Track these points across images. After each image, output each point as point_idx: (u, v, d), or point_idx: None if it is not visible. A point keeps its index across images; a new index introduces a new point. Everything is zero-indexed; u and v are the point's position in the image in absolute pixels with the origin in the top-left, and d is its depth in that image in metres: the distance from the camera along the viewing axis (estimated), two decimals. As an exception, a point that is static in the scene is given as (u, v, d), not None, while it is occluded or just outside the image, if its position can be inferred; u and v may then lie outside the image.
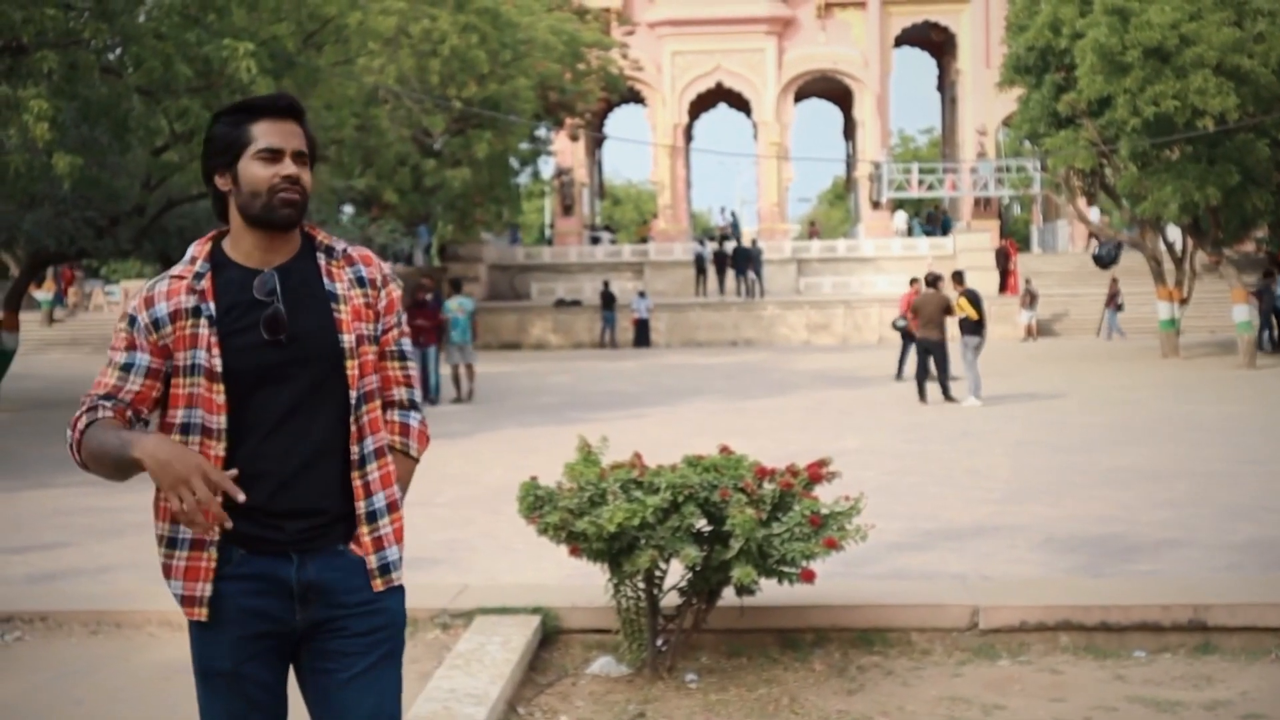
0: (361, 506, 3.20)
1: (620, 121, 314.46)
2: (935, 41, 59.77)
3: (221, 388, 3.10)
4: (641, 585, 6.33)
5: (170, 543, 3.16)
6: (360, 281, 3.27)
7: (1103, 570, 8.91)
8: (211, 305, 3.14)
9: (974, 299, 21.40)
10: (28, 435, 19.47)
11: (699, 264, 46.80)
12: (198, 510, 2.86)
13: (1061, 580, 8.52)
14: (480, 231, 45.77)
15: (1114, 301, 39.13)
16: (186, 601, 3.15)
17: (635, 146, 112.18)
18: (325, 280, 3.23)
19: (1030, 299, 40.61)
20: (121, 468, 2.99)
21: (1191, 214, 28.44)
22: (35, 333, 44.93)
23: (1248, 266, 37.29)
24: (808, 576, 6.08)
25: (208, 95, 19.56)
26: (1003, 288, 43.76)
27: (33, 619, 7.41)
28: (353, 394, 3.19)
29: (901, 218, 53.73)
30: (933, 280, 21.99)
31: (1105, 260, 40.18)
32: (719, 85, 56.33)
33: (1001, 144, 53.89)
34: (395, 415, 3.36)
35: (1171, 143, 27.58)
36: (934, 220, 54.54)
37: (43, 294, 46.02)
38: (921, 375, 21.63)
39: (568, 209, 56.42)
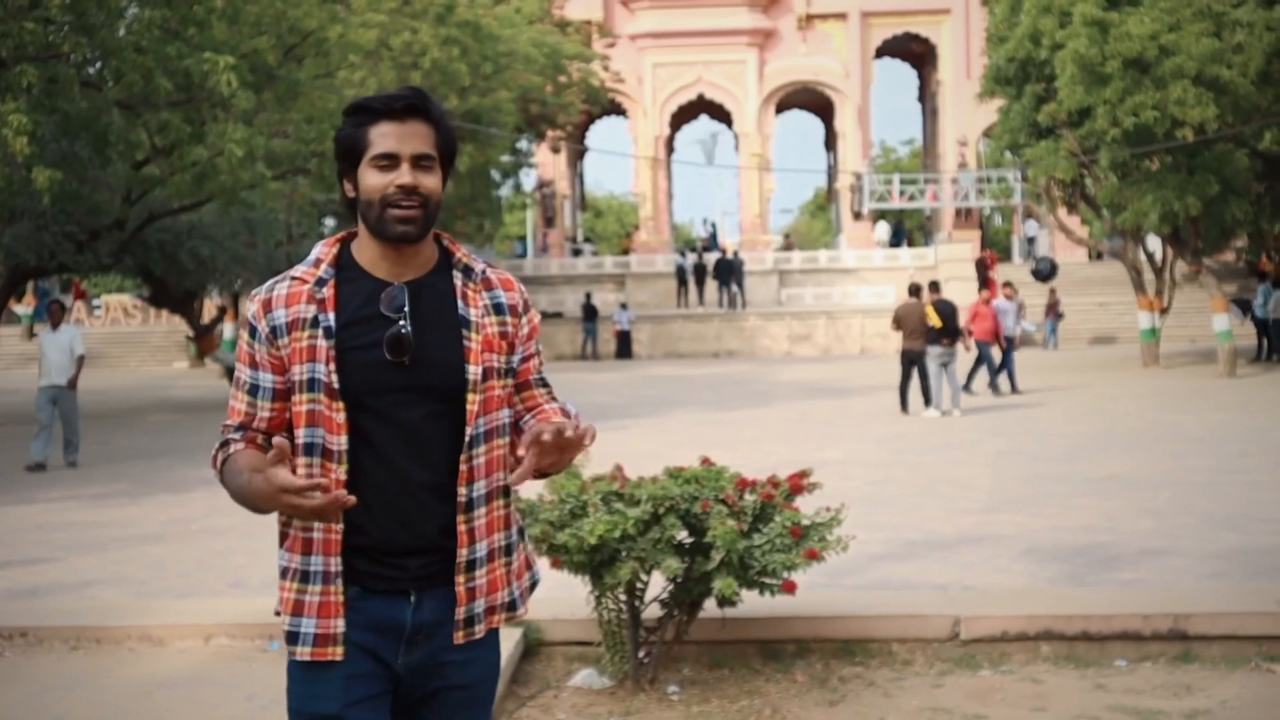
0: (463, 554, 2.97)
1: (602, 133, 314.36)
2: (916, 53, 59.94)
3: (341, 405, 2.89)
4: (623, 597, 6.32)
5: (303, 577, 2.94)
6: (498, 308, 3.03)
7: (1085, 580, 8.92)
8: (331, 316, 2.91)
9: (941, 309, 21.39)
10: (8, 450, 19.38)
11: (681, 276, 46.86)
12: (322, 503, 2.71)
13: (1043, 590, 8.53)
14: (462, 244, 45.75)
15: (1053, 311, 40.64)
16: (321, 641, 2.92)
17: (617, 158, 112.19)
18: (459, 303, 2.99)
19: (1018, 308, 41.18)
20: (264, 508, 2.82)
21: (1171, 224, 28.53)
22: (16, 347, 44.83)
23: (1227, 276, 37.46)
24: (789, 588, 6.07)
25: (188, 109, 19.57)
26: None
27: (12, 635, 7.38)
28: (468, 430, 2.94)
29: (884, 228, 53.89)
30: (915, 290, 22.02)
31: (1043, 274, 40.96)
32: (700, 97, 56.46)
33: (982, 154, 54.11)
34: (554, 406, 3.12)
35: (1151, 153, 27.68)
36: (898, 231, 55.07)
37: (23, 308, 45.88)
38: (904, 386, 21.66)
39: (549, 221, 56.42)
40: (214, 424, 24.83)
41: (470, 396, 2.93)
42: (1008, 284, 27.88)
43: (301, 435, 2.92)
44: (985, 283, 44.27)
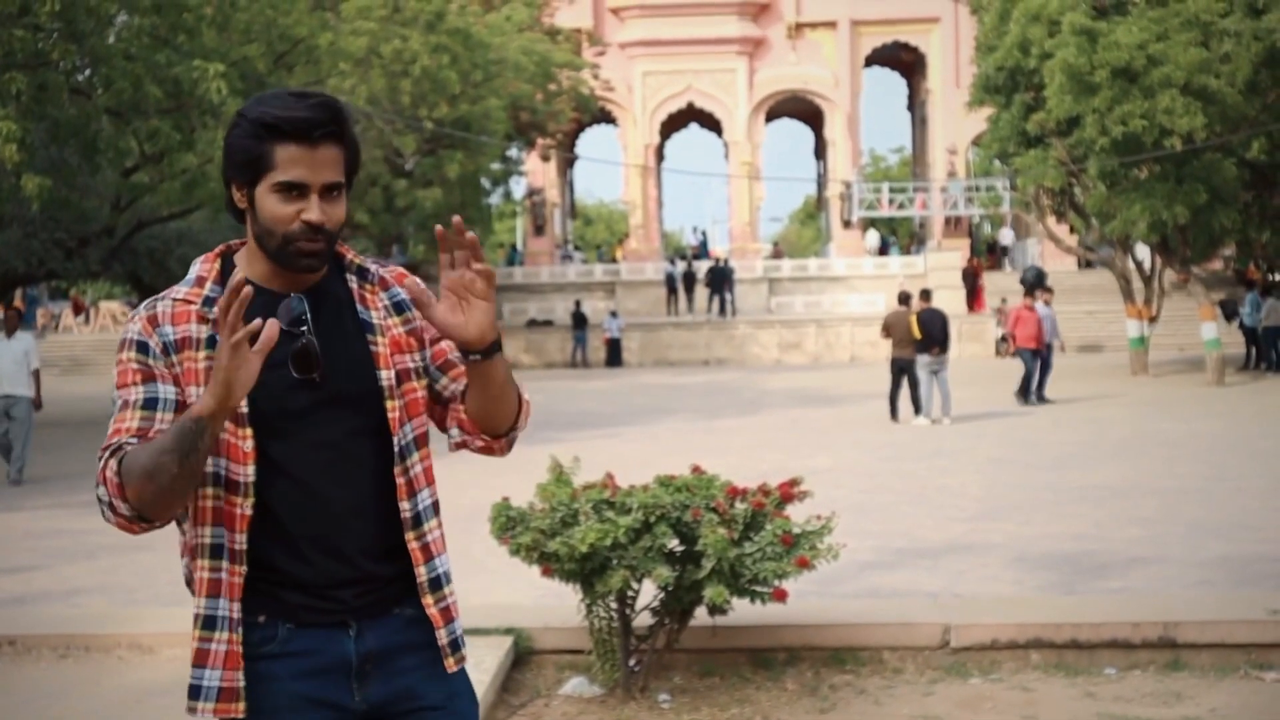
0: (423, 573, 2.73)
1: (592, 141, 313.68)
2: (905, 62, 60.04)
3: (249, 432, 2.59)
4: (614, 605, 6.32)
5: (207, 622, 2.66)
6: (399, 306, 2.79)
7: (1074, 588, 8.93)
8: None
9: (928, 319, 21.29)
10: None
11: (670, 283, 46.87)
12: (237, 323, 2.39)
13: (1032, 598, 8.55)
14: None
15: None
16: (225, 695, 2.62)
17: (607, 166, 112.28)
18: (359, 308, 2.75)
19: (1003, 315, 41.32)
20: (191, 451, 2.45)
21: (1160, 233, 28.61)
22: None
23: (1216, 285, 37.51)
24: (780, 596, 6.08)
25: (178, 116, 19.56)
26: (971, 306, 44.07)
27: (1, 643, 7.36)
28: (395, 440, 2.70)
29: (874, 236, 53.99)
30: (904, 299, 22.04)
31: (1029, 283, 41.12)
32: (690, 105, 56.47)
33: (971, 163, 54.16)
34: None
35: (1140, 162, 27.75)
36: (884, 241, 55.40)
37: (11, 315, 45.76)
38: (894, 394, 21.68)
39: (539, 229, 56.43)
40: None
41: (390, 404, 2.70)
42: (1048, 289, 27.50)
43: (210, 465, 2.59)
44: (974, 291, 44.47)
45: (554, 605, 7.34)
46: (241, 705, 2.63)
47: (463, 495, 14.23)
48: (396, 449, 2.71)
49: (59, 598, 9.40)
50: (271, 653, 2.65)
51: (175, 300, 2.67)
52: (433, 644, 2.75)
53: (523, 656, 6.89)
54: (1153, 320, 31.87)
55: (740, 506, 6.13)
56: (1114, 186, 28.17)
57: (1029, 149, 29.69)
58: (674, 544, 6.12)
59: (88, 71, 20.22)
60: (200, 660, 2.66)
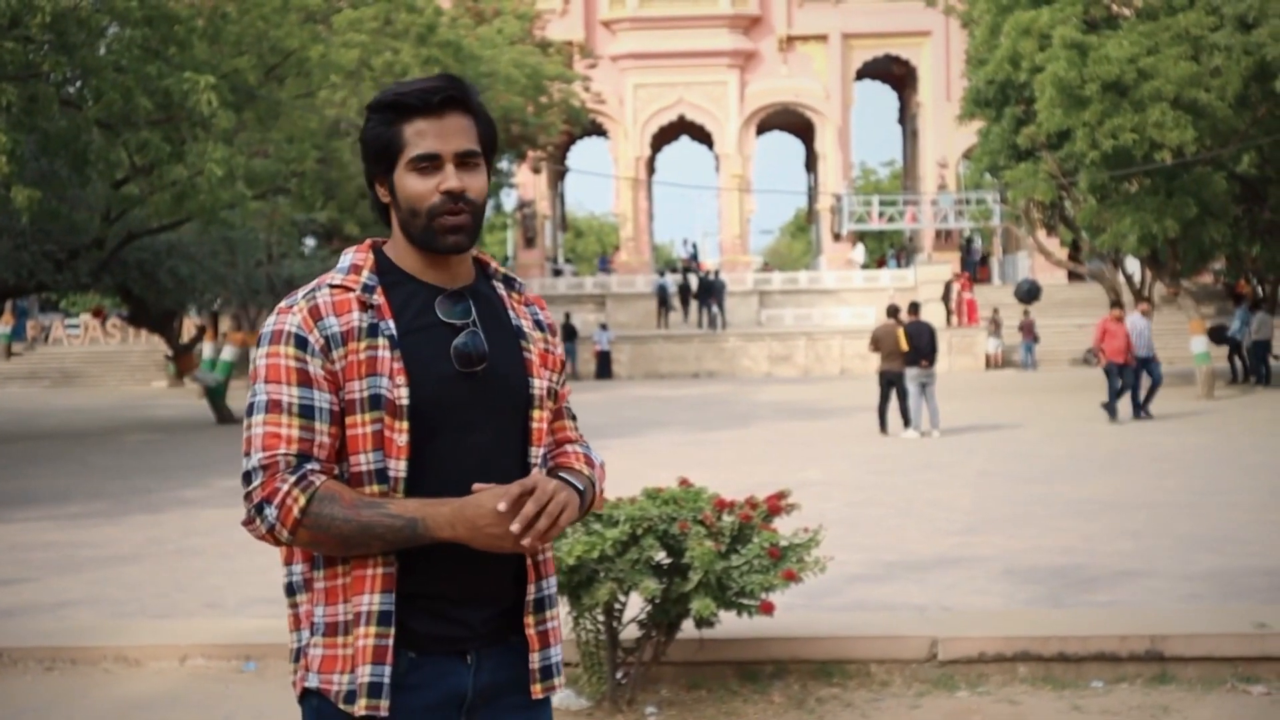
0: (532, 590, 2.65)
1: (582, 154, 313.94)
2: (896, 75, 60.17)
3: (405, 425, 2.52)
4: (601, 618, 6.32)
5: (330, 629, 2.56)
6: (539, 325, 2.76)
7: (1062, 601, 8.94)
8: (391, 324, 2.55)
9: (915, 332, 21.29)
10: (-15, 470, 19.29)
11: (661, 296, 46.90)
12: (532, 536, 2.44)
13: (1020, 611, 8.55)
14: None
15: (1030, 333, 41.05)
16: (373, 691, 2.51)
17: (597, 179, 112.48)
18: (511, 314, 2.71)
19: (995, 327, 41.78)
20: (399, 546, 2.49)
21: (1150, 246, 28.67)
22: (-7, 366, 44.67)
23: (1205, 298, 37.61)
24: (767, 609, 6.08)
25: (168, 128, 19.56)
26: (956, 319, 44.17)
27: (-13, 655, 7.34)
28: (535, 451, 2.66)
29: (860, 251, 54.07)
30: (893, 312, 22.05)
31: (1024, 296, 41.24)
32: (681, 118, 56.55)
33: (962, 176, 54.23)
34: (580, 449, 2.81)
35: (1130, 175, 27.82)
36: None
37: (1, 327, 45.72)
38: (883, 407, 21.69)
39: (530, 241, 56.46)
40: (193, 444, 24.54)
41: (536, 414, 2.66)
42: (1145, 299, 26.97)
43: (365, 462, 2.53)
44: (956, 305, 44.57)
45: (542, 618, 7.32)
46: (386, 703, 2.52)
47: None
48: (535, 460, 2.67)
49: (46, 610, 9.37)
50: (395, 683, 2.54)
51: (334, 288, 2.59)
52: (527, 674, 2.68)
53: (510, 669, 6.87)
54: (1143, 334, 31.87)
55: (727, 519, 6.13)
56: (1104, 200, 28.24)
57: (1019, 162, 29.77)
58: (661, 556, 6.12)
59: (78, 83, 20.20)
60: (328, 668, 2.56)
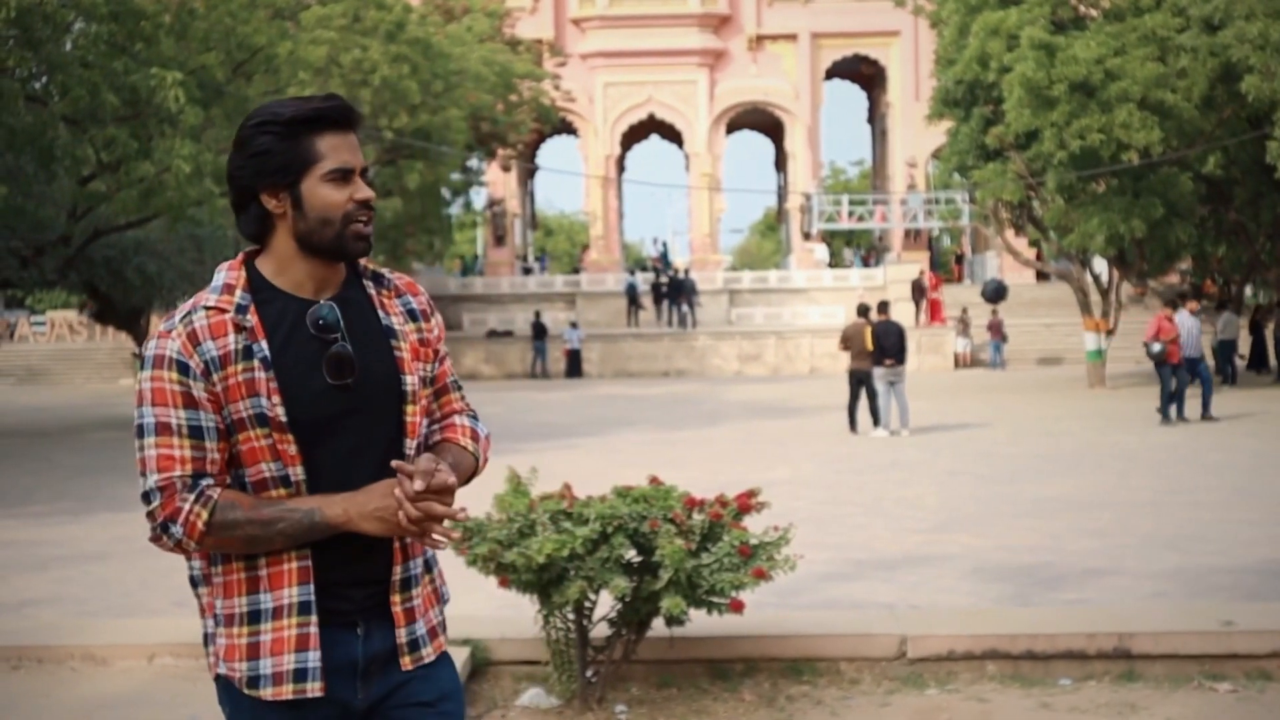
0: (398, 571, 2.81)
1: (552, 152, 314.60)
2: (865, 74, 60.33)
3: (291, 438, 2.68)
4: (571, 616, 6.31)
5: (253, 617, 2.73)
6: (412, 314, 2.88)
7: (1030, 599, 8.97)
8: (264, 345, 2.68)
9: (884, 331, 21.28)
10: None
11: (631, 295, 46.89)
12: (431, 522, 2.66)
13: (989, 609, 8.58)
14: (411, 262, 45.71)
15: (999, 333, 41.24)
16: (299, 676, 2.72)
17: (567, 177, 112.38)
18: (380, 313, 2.83)
19: (964, 326, 41.93)
20: (303, 540, 2.68)
21: (1117, 246, 28.84)
22: (-41, 364, 44.37)
23: (1172, 298, 37.75)
24: (737, 607, 6.08)
25: (135, 125, 19.45)
26: (928, 318, 44.33)
27: (-48, 655, 7.28)
28: (409, 444, 2.80)
29: (823, 250, 54.22)
30: (863, 311, 22.09)
31: (991, 296, 41.43)
32: (651, 117, 56.61)
33: (931, 176, 54.42)
34: (465, 421, 2.96)
35: (1097, 176, 27.97)
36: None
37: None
38: (853, 405, 21.73)
39: (500, 239, 56.40)
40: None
41: (410, 409, 2.80)
42: (1194, 299, 25.92)
43: (267, 470, 2.70)
44: (928, 305, 44.74)
45: (511, 616, 7.32)
46: (319, 685, 2.73)
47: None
48: (410, 452, 2.81)
49: (11, 609, 9.32)
50: None
51: (209, 309, 2.71)
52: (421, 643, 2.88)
53: (480, 668, 6.86)
54: (1110, 333, 32.07)
55: (698, 517, 6.13)
56: (1072, 200, 28.39)
57: (988, 162, 29.88)
58: (631, 555, 6.12)
59: (44, 79, 20.09)
60: (250, 655, 2.74)
